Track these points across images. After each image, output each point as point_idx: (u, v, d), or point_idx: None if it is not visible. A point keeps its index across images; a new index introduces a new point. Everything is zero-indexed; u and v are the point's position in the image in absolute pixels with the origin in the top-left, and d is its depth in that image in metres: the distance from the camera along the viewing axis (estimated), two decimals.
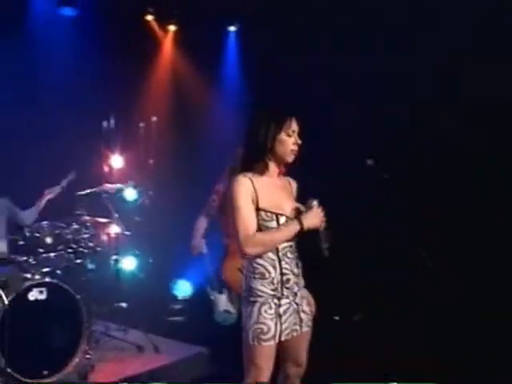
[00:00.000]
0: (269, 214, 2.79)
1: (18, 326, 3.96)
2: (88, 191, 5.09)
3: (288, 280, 2.83)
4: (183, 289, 6.78)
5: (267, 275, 2.80)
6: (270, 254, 2.81)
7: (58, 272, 4.53)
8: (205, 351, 4.87)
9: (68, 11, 5.84)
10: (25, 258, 4.44)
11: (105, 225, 5.30)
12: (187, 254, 5.51)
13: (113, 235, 5.45)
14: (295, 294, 2.88)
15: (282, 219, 2.82)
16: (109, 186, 5.19)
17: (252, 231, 2.74)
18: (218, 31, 6.78)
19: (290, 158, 2.89)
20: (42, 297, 4.13)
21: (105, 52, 5.80)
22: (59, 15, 5.85)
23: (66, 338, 4.23)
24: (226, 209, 4.53)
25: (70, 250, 4.65)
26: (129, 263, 6.09)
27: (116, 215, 5.19)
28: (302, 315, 2.91)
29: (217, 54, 6.78)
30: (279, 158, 2.88)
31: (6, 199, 5.08)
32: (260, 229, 2.77)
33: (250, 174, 2.82)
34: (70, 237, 4.62)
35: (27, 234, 4.48)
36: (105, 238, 5.39)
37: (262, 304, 2.79)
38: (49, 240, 4.49)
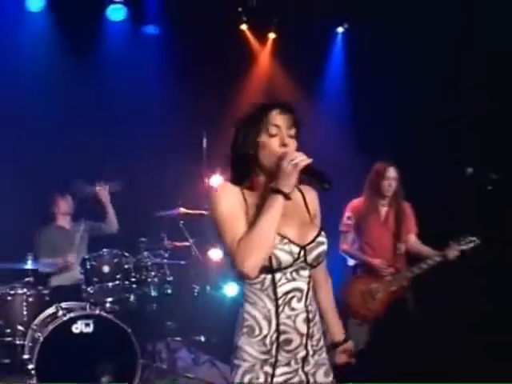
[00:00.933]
0: None
1: (59, 359, 3.79)
2: (163, 214, 4.87)
3: (288, 341, 2.07)
4: None
5: (257, 331, 2.07)
6: (267, 301, 2.06)
7: (114, 303, 4.29)
8: None
9: (151, 29, 5.73)
10: (84, 287, 4.29)
11: (185, 250, 5.02)
12: None
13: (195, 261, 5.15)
14: (303, 360, 2.11)
15: (276, 239, 2.01)
16: (184, 210, 4.88)
17: None
18: (322, 34, 6.17)
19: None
20: (88, 330, 3.91)
21: (193, 68, 5.56)
22: (142, 34, 5.76)
23: (116, 375, 3.95)
24: (359, 228, 4.24)
25: (132, 280, 4.40)
26: (231, 290, 5.74)
27: (191, 240, 4.87)
28: None
29: (319, 61, 6.18)
30: (268, 170, 2.06)
31: (83, 222, 5.04)
32: None
33: (239, 187, 2.12)
34: (129, 266, 4.38)
35: (87, 262, 4.31)
36: (184, 264, 5.10)
37: (247, 371, 2.08)
38: (106, 269, 4.27)
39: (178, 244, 4.95)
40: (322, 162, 5.92)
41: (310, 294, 2.12)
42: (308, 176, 2.03)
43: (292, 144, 2.07)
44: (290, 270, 2.06)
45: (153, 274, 4.49)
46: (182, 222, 4.90)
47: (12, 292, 4.13)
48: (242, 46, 6.10)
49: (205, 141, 5.71)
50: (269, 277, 2.05)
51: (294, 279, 2.07)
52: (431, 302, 4.50)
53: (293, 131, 2.08)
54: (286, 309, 2.07)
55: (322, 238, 2.12)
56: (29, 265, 4.15)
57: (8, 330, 4.08)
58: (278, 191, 1.99)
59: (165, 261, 4.75)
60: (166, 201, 5.11)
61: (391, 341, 4.00)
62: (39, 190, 4.95)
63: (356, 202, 4.33)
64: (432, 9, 5.20)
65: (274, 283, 2.05)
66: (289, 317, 2.07)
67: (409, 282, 4.13)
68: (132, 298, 4.39)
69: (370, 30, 5.67)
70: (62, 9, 5.20)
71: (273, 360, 2.07)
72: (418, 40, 5.29)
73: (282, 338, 2.07)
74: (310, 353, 2.13)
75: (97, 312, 4.01)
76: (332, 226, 4.38)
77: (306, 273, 2.09)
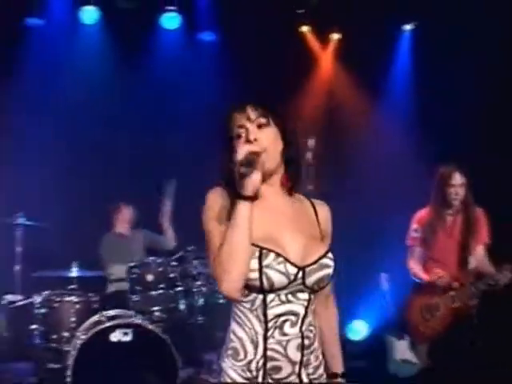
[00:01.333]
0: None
1: (95, 367, 3.77)
2: None
3: (277, 369, 1.87)
4: (357, 330, 5.97)
5: (241, 355, 1.88)
6: (255, 323, 1.86)
7: (162, 311, 4.24)
8: None
9: (206, 36, 5.67)
10: (129, 296, 4.28)
11: None
12: (363, 291, 5.09)
13: None
14: None
15: (270, 257, 1.80)
16: None
17: None
18: (388, 33, 5.84)
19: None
20: (127, 338, 3.86)
21: (251, 74, 5.44)
22: (197, 41, 5.70)
23: None
24: (425, 241, 4.00)
25: (178, 289, 4.33)
26: None
27: None
28: None
29: (386, 61, 5.85)
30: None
31: (143, 231, 5.08)
32: None
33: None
34: (174, 275, 4.30)
35: (132, 270, 4.30)
36: None
37: None
38: (150, 277, 4.22)
39: None
40: (389, 167, 5.54)
41: (309, 318, 1.89)
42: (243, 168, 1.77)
43: (265, 137, 1.88)
44: (285, 291, 1.84)
45: (199, 283, 4.39)
46: None
47: (58, 299, 4.19)
48: (302, 49, 5.90)
49: None
50: (260, 297, 1.85)
51: (288, 301, 1.86)
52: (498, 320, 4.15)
53: (261, 120, 1.89)
54: (277, 333, 1.86)
55: (328, 261, 1.88)
56: (74, 272, 4.22)
57: (54, 336, 4.14)
58: (239, 196, 1.79)
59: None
60: None
61: (450, 362, 3.69)
62: (86, 199, 5.05)
63: (423, 212, 4.01)
64: (503, 5, 4.78)
65: (264, 304, 1.85)
66: (279, 342, 1.86)
67: (475, 300, 3.74)
68: (181, 307, 4.32)
69: (439, 28, 5.31)
70: (116, 20, 5.31)
71: None
72: (490, 38, 4.88)
73: (270, 364, 1.87)
74: (305, 381, 1.91)
75: (136, 321, 3.95)
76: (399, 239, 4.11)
77: (304, 296, 1.87)
